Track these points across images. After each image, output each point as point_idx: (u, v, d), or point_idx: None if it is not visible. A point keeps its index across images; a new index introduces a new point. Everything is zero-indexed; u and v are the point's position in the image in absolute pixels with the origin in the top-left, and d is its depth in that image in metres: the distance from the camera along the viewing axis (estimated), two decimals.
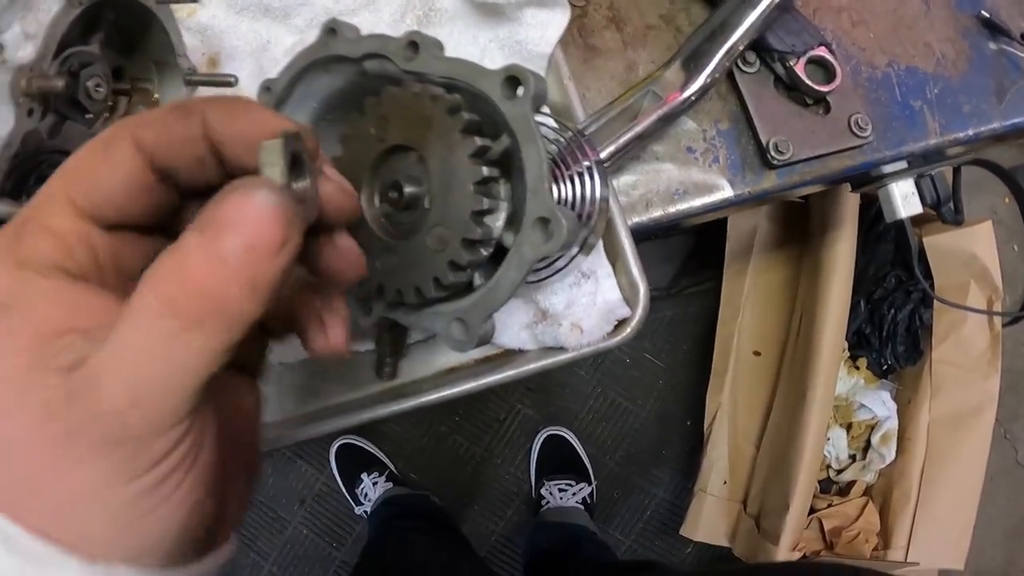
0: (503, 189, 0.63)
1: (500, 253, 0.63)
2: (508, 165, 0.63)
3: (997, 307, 2.21)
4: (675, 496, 2.77)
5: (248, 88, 0.91)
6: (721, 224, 2.31)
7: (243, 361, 0.52)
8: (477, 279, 0.66)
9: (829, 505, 2.36)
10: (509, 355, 0.89)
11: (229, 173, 0.45)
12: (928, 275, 2.22)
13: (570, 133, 0.80)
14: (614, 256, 0.85)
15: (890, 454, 2.34)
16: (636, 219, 0.98)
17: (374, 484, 2.59)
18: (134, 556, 0.39)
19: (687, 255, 2.74)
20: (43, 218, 0.43)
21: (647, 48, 1.04)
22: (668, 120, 0.94)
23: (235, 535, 0.51)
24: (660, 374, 2.79)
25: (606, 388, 2.76)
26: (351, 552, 2.68)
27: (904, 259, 2.31)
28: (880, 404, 2.36)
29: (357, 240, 0.50)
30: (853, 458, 2.43)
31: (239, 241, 0.37)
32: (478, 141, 0.60)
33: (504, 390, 2.72)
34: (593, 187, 0.77)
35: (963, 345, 2.27)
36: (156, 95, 0.91)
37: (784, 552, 2.02)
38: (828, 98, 1.04)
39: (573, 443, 2.73)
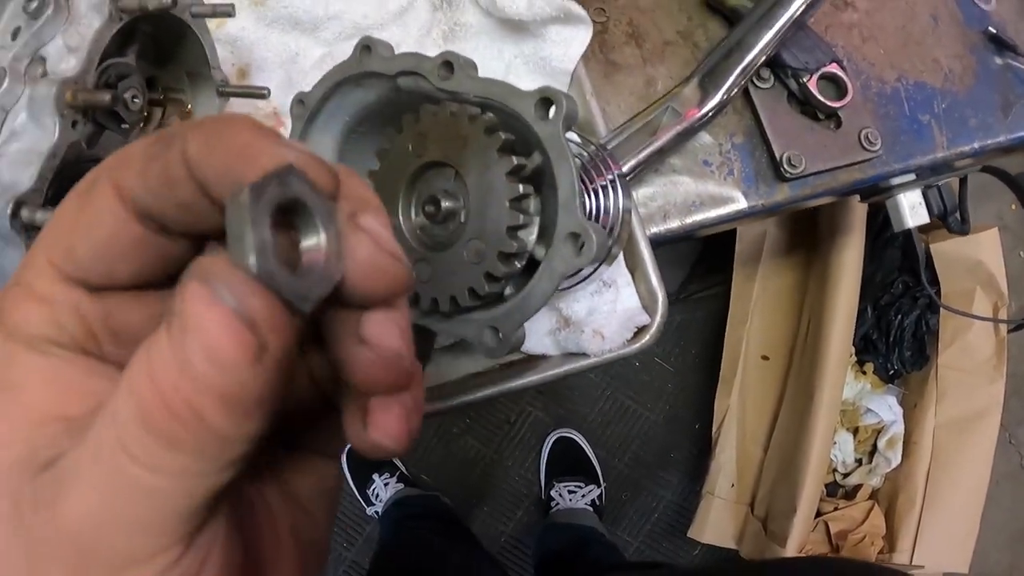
0: (534, 204, 0.66)
1: (530, 264, 0.66)
2: (539, 181, 0.66)
3: (1003, 313, 2.23)
4: (683, 498, 2.79)
5: (278, 99, 0.94)
6: (730, 230, 2.32)
7: (310, 440, 0.44)
8: (508, 289, 0.69)
9: (835, 508, 2.37)
10: (532, 360, 0.92)
11: None
12: (934, 281, 2.24)
13: (593, 147, 0.83)
14: (633, 265, 0.88)
15: (896, 458, 2.35)
16: (654, 229, 1.01)
17: (385, 485, 2.59)
18: None
19: (696, 260, 2.76)
20: (29, 283, 0.37)
21: (665, 63, 1.07)
22: (686, 135, 0.97)
23: None
24: (669, 378, 2.81)
25: (616, 391, 2.78)
26: (362, 552, 2.70)
27: (911, 265, 2.33)
28: (886, 408, 2.38)
29: None
30: (859, 462, 2.44)
31: (199, 349, 0.29)
32: (514, 160, 0.63)
33: (514, 392, 2.71)
34: (616, 199, 0.80)
35: (969, 350, 2.29)
36: (189, 105, 0.93)
37: (791, 554, 2.04)
38: (839, 113, 1.07)
39: (583, 445, 2.74)
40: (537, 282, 0.65)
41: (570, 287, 0.85)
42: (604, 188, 0.80)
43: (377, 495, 2.60)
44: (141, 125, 0.89)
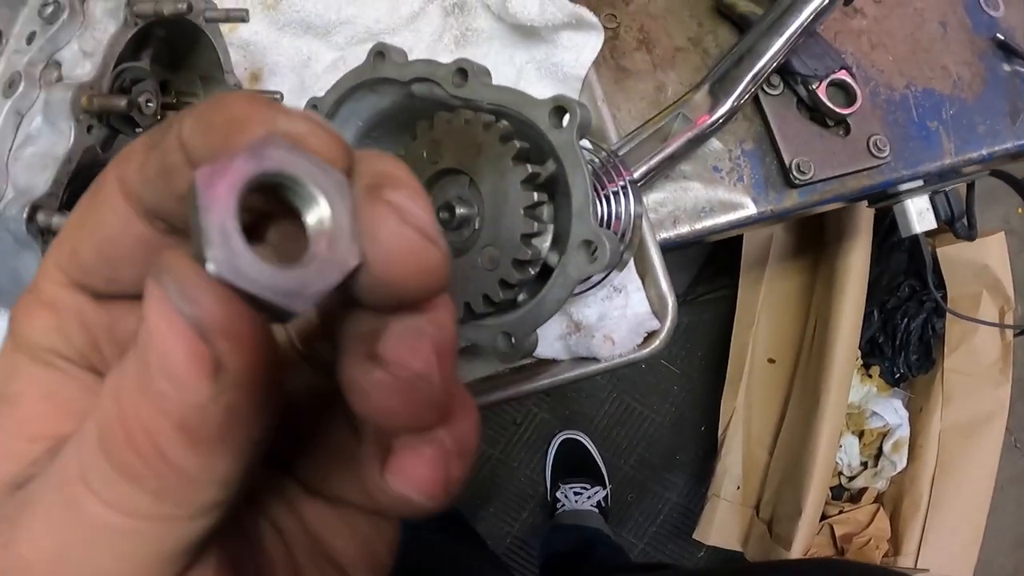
0: (548, 211, 0.67)
1: (543, 271, 0.67)
2: (553, 188, 0.66)
3: (1009, 317, 2.23)
4: (688, 500, 2.79)
5: (290, 103, 0.94)
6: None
7: (346, 489, 0.36)
8: (521, 295, 0.69)
9: (840, 511, 2.37)
10: (543, 364, 0.92)
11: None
12: (941, 285, 2.24)
13: (604, 153, 0.84)
14: (643, 270, 0.89)
15: (901, 462, 2.36)
16: (664, 235, 1.02)
17: None
18: None
19: (703, 263, 2.76)
20: (39, 289, 0.34)
21: (676, 69, 1.08)
22: (697, 142, 0.98)
23: None
24: (675, 380, 2.81)
25: (622, 393, 2.79)
26: None
27: (917, 269, 2.34)
28: (892, 412, 2.38)
29: None
30: (865, 465, 2.44)
31: (154, 362, 0.25)
32: (529, 168, 0.64)
33: (525, 396, 2.71)
34: (627, 205, 0.81)
35: (975, 354, 2.29)
36: None
37: (796, 557, 2.05)
38: (848, 120, 1.07)
39: (588, 447, 2.74)
40: (550, 289, 0.65)
41: (581, 292, 0.86)
42: (615, 194, 0.80)
43: None
44: None
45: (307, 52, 0.99)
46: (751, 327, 2.34)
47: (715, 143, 1.06)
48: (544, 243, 0.66)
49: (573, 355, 0.90)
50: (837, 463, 2.41)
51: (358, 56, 0.94)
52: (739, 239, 2.35)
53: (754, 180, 1.06)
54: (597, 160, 0.83)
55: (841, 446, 2.40)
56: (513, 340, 0.67)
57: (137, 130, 0.84)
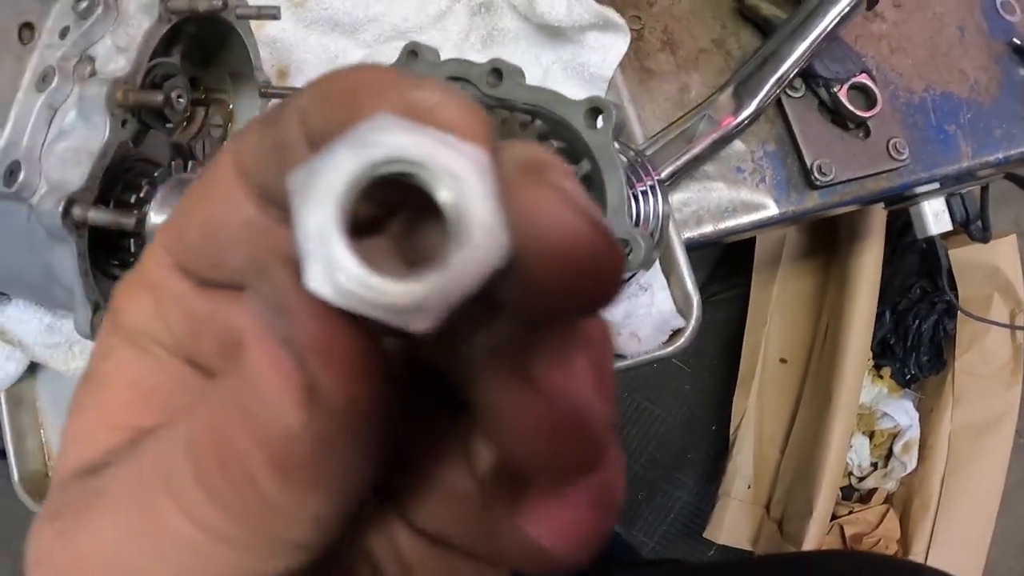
0: None
1: None
2: (586, 188, 0.67)
3: (1020, 319, 2.23)
4: (699, 499, 2.79)
5: None
6: None
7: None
8: None
9: (850, 512, 2.37)
10: None
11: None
12: (952, 287, 2.25)
13: (632, 153, 0.85)
14: (668, 269, 0.90)
15: (911, 462, 2.36)
16: (688, 234, 1.03)
17: None
18: None
19: (716, 262, 2.76)
20: (143, 269, 0.32)
21: (699, 71, 1.09)
22: (722, 143, 0.99)
23: None
24: (686, 379, 2.81)
25: (632, 392, 2.79)
26: None
27: (929, 271, 2.34)
28: (903, 413, 2.38)
29: None
30: (875, 466, 2.45)
31: (248, 380, 0.22)
32: None
33: None
34: (656, 205, 0.82)
35: (986, 356, 2.29)
36: (231, 106, 0.95)
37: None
38: (868, 123, 1.09)
39: None
40: None
41: None
42: (644, 193, 0.81)
43: None
44: (184, 125, 0.91)
45: (334, 50, 1.00)
46: (763, 327, 2.35)
47: (738, 144, 1.07)
48: None
49: None
50: (847, 463, 2.41)
51: (386, 54, 0.96)
52: (752, 239, 2.35)
53: (776, 181, 1.07)
54: (625, 160, 0.84)
55: (852, 446, 2.40)
56: None
57: (168, 125, 0.85)
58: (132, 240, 0.78)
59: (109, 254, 0.80)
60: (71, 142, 0.73)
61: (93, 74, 0.75)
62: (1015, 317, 2.23)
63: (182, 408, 0.29)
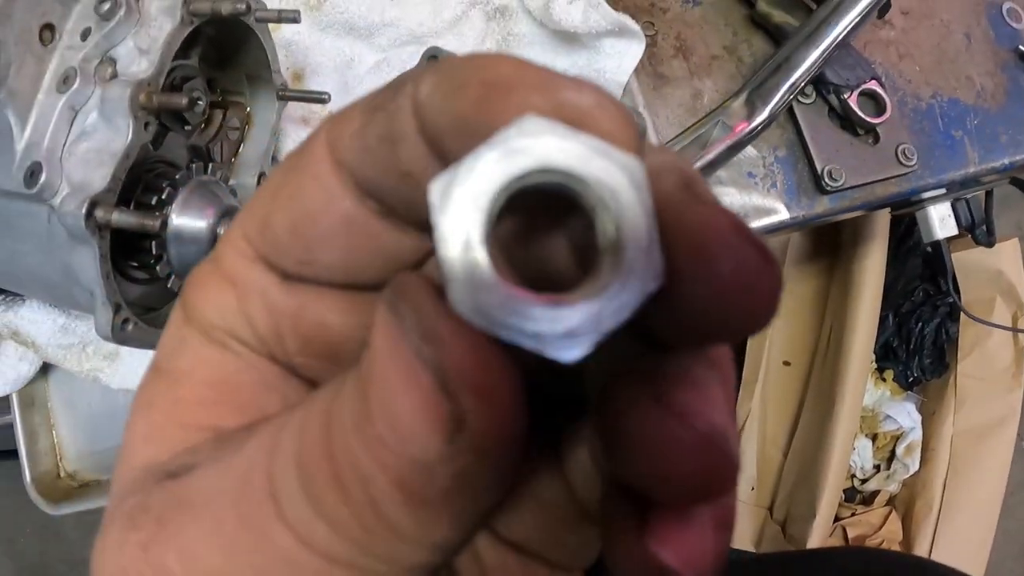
0: None
1: None
2: None
3: (1022, 322, 2.24)
4: None
5: (336, 104, 0.95)
6: None
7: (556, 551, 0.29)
8: None
9: (853, 514, 2.38)
10: None
11: None
12: (956, 290, 2.25)
13: None
14: None
15: (914, 465, 2.36)
16: None
17: None
18: None
19: None
20: (220, 259, 0.30)
21: (712, 77, 1.10)
22: (735, 149, 0.99)
23: None
24: None
25: None
26: None
27: (932, 274, 2.34)
28: (905, 415, 2.39)
29: None
30: (877, 468, 2.45)
31: (379, 405, 0.20)
32: None
33: None
34: None
35: (988, 359, 2.30)
36: (248, 108, 0.95)
37: None
38: (878, 129, 1.09)
39: None
40: None
41: None
42: None
43: None
44: (202, 127, 0.92)
45: (350, 53, 1.00)
46: (767, 329, 2.35)
47: (750, 150, 1.08)
48: None
49: None
50: (850, 465, 2.41)
51: (401, 58, 0.96)
52: None
53: (787, 186, 1.08)
54: None
55: (854, 449, 2.40)
56: None
57: (186, 127, 0.86)
58: (153, 242, 0.78)
59: (127, 256, 0.80)
60: (93, 143, 0.74)
61: (115, 76, 0.76)
62: (1017, 320, 2.24)
63: (272, 413, 0.28)
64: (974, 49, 1.21)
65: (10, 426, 1.06)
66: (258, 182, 0.92)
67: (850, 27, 1.00)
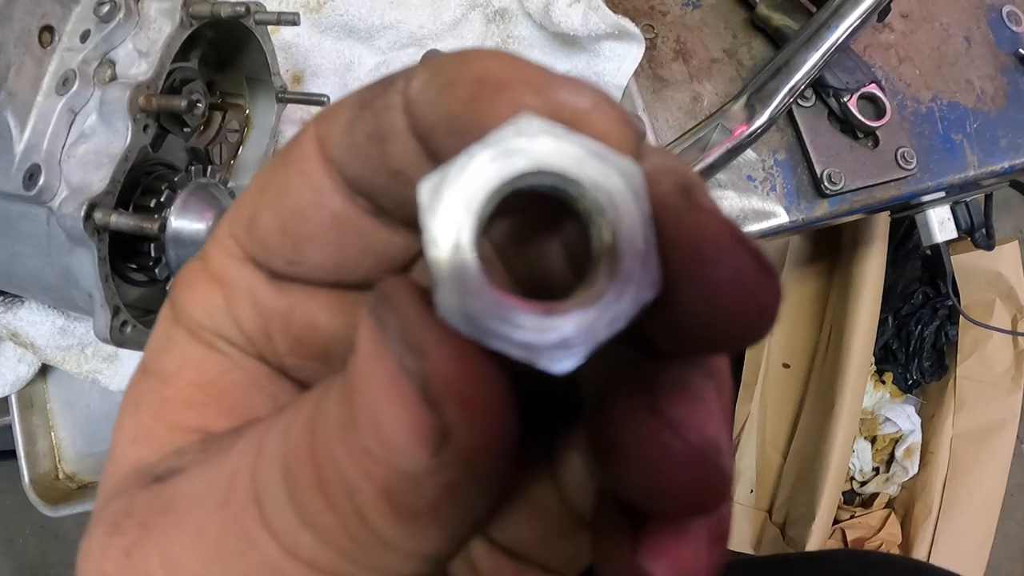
0: None
1: None
2: None
3: (1022, 325, 2.24)
4: None
5: None
6: None
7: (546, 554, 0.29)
8: None
9: (852, 516, 2.37)
10: None
11: None
12: (955, 292, 2.25)
13: None
14: None
15: (913, 467, 2.36)
16: None
17: None
18: None
19: None
20: (207, 257, 0.29)
21: (711, 80, 1.09)
22: (735, 152, 0.99)
23: None
24: None
25: None
26: None
27: (932, 277, 2.35)
28: (905, 418, 2.39)
29: None
30: (877, 470, 2.45)
31: (364, 413, 0.20)
32: None
33: None
34: None
35: (987, 362, 2.30)
36: (248, 111, 0.95)
37: None
38: (877, 132, 1.09)
39: None
40: None
41: None
42: None
43: None
44: (201, 129, 0.92)
45: (349, 56, 1.00)
46: None
47: (749, 153, 1.07)
48: None
49: None
50: (849, 468, 2.41)
51: (401, 61, 0.96)
52: None
53: (786, 189, 1.08)
54: None
55: (854, 451, 2.40)
56: None
57: (185, 129, 0.86)
58: (152, 244, 0.78)
59: (126, 258, 0.80)
60: (91, 146, 0.74)
61: (114, 78, 0.76)
62: (1017, 323, 2.24)
63: (262, 415, 0.28)
64: (974, 52, 1.21)
65: (9, 427, 1.06)
66: None
67: (850, 30, 1.00)
